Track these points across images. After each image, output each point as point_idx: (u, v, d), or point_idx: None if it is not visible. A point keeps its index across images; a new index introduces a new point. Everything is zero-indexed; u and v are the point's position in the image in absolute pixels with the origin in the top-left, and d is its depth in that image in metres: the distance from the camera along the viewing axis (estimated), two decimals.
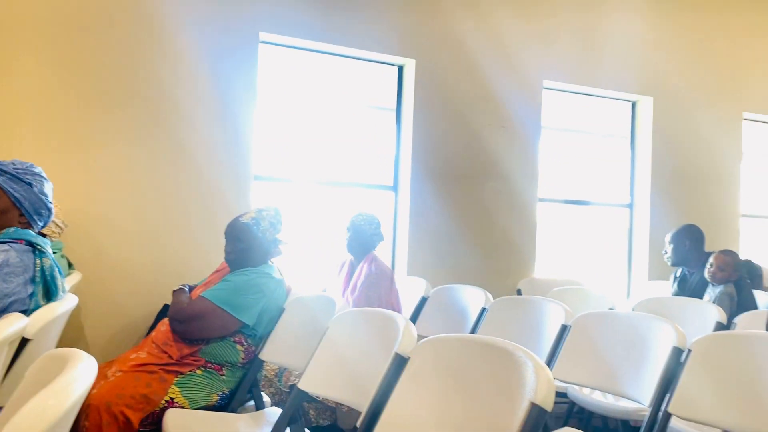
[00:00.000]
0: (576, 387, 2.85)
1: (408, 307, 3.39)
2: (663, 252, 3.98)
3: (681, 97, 4.91)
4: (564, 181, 4.85)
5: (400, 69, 4.21)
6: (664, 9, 4.88)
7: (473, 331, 2.90)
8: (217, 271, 2.65)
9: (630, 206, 4.90)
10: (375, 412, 1.62)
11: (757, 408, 1.72)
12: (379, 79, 4.25)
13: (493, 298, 2.95)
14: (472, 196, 4.25)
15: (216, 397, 2.35)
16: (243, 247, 2.50)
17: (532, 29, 4.42)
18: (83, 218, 3.30)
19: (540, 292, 3.87)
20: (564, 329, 2.38)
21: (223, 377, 2.37)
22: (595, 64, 4.62)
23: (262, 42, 3.77)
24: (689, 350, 1.91)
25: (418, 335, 1.79)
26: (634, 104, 4.93)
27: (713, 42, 5.07)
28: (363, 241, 3.20)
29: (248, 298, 2.39)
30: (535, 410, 1.19)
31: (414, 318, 3.34)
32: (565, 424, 2.90)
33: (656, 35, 4.84)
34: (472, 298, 3.11)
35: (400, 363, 1.67)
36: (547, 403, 1.19)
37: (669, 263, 3.94)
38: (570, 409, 2.96)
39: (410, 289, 3.51)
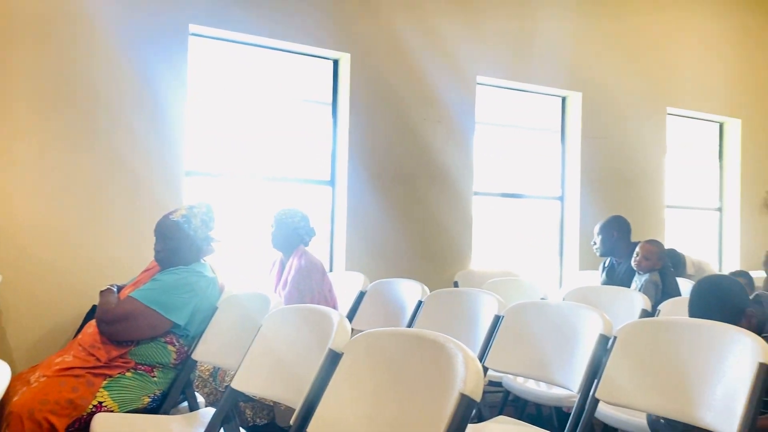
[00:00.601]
0: (510, 376, 2.92)
1: (346, 302, 3.39)
2: (592, 243, 4.11)
3: (608, 92, 5.08)
4: (498, 174, 4.94)
5: (336, 63, 4.19)
6: (592, 8, 5.04)
7: (410, 324, 2.92)
8: (146, 271, 2.57)
9: (561, 199, 5.04)
10: (309, 409, 1.61)
11: (677, 390, 1.79)
12: (315, 73, 4.21)
13: (431, 291, 2.97)
14: (409, 190, 4.27)
15: (147, 400, 2.28)
16: (173, 246, 2.44)
17: (466, 25, 4.48)
18: (2, 218, 3.15)
19: (476, 284, 3.93)
20: (497, 320, 2.42)
21: (155, 379, 2.31)
22: (526, 60, 4.72)
23: (192, 34, 3.67)
24: (615, 337, 1.98)
25: (357, 330, 1.79)
26: (564, 99, 5.07)
27: (638, 40, 5.26)
28: (287, 236, 3.16)
29: (179, 297, 2.33)
30: (465, 401, 1.21)
31: (352, 313, 3.33)
32: (500, 413, 2.96)
33: (585, 33, 4.98)
34: (409, 291, 3.13)
35: (333, 359, 1.66)
36: (476, 393, 1.21)
37: (598, 254, 4.07)
38: (505, 398, 3.02)
39: (348, 284, 3.51)
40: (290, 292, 3.01)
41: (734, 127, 5.90)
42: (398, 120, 4.23)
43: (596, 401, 1.93)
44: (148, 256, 2.66)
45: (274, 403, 2.76)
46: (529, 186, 5.11)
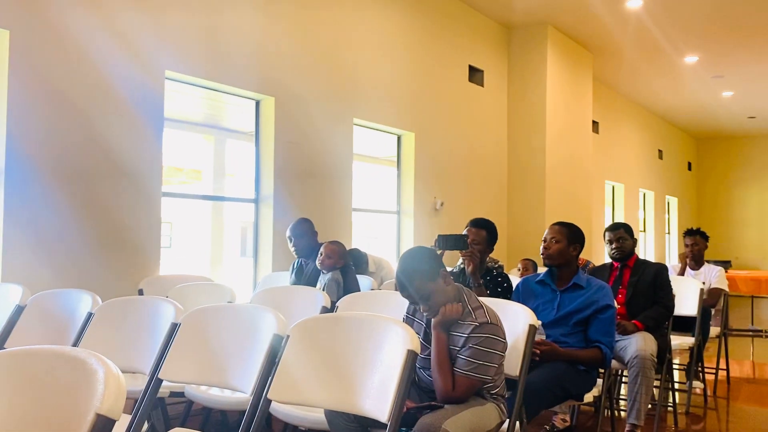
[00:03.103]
0: (194, 385, 2.79)
1: None
2: (291, 245, 4.22)
3: (300, 99, 5.26)
4: (196, 176, 4.76)
5: None
6: (282, 13, 5.16)
7: (78, 338, 2.61)
8: None
9: (255, 201, 5.06)
10: None
11: (342, 382, 1.88)
12: None
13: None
14: (88, 191, 3.86)
15: None
16: None
17: (149, 16, 4.21)
18: None
19: (164, 290, 3.71)
20: (174, 327, 2.29)
21: None
22: (219, 59, 4.63)
23: None
24: (288, 336, 2.00)
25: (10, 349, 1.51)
26: (258, 103, 5.10)
27: (329, 50, 5.55)
28: None
29: None
30: (101, 421, 1.08)
31: (7, 330, 2.86)
32: (182, 425, 2.82)
33: (276, 39, 5.08)
34: (77, 303, 2.80)
35: None
36: (114, 411, 1.09)
37: (295, 254, 4.20)
38: (188, 408, 2.89)
39: (1, 298, 3.01)
40: None
41: (409, 140, 6.61)
42: (70, 111, 3.78)
43: (269, 402, 1.93)
44: None
45: None
46: (226, 189, 5.03)
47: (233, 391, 2.69)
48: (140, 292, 4.02)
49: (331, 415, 2.20)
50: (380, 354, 1.82)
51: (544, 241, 3.18)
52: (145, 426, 2.06)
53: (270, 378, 1.95)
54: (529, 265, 5.76)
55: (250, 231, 5.15)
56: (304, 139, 5.28)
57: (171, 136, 4.82)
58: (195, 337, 2.27)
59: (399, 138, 6.65)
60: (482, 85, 7.67)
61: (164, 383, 2.18)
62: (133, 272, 4.09)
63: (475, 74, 7.57)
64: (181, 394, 2.85)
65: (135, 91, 4.10)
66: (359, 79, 5.88)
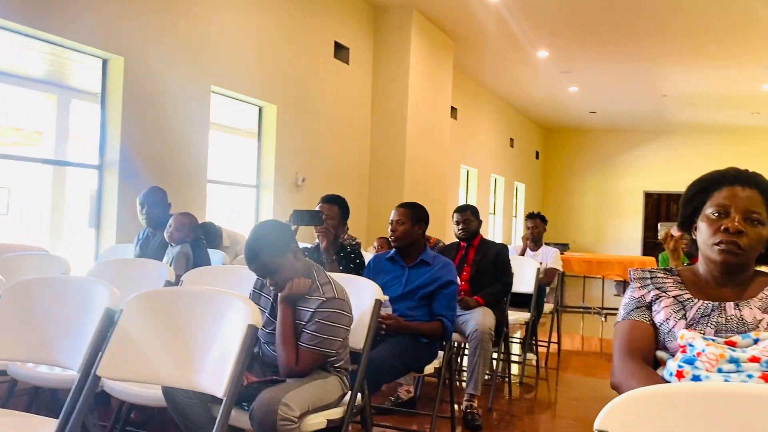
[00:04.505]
0: (18, 363, 2.58)
1: None
2: (141, 214, 3.99)
3: (154, 62, 4.96)
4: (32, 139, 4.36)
5: None
6: None
7: None
8: None
9: (99, 167, 4.73)
10: None
11: (178, 358, 1.82)
12: None
13: None
14: None
15: None
16: None
17: None
18: None
19: None
20: None
21: None
22: (60, 9, 4.23)
23: None
24: (121, 311, 1.90)
25: None
26: (105, 62, 4.74)
27: (184, 12, 5.27)
28: None
29: None
30: None
31: None
32: (3, 406, 2.60)
33: None
34: None
35: None
36: None
37: (145, 223, 4.00)
38: (12, 388, 2.66)
39: None
40: None
41: (271, 112, 6.48)
42: None
43: (97, 379, 1.83)
44: None
45: None
46: (73, 153, 4.65)
47: (64, 369, 2.54)
48: None
49: (169, 391, 2.13)
50: (219, 329, 1.78)
51: (391, 223, 3.28)
52: None
53: (100, 354, 1.84)
54: (384, 244, 5.90)
55: (90, 198, 4.81)
56: (156, 104, 4.99)
57: (6, 93, 4.38)
58: (18, 311, 2.10)
59: (260, 110, 6.49)
60: (347, 63, 7.67)
61: None
62: None
63: (340, 51, 7.55)
64: (4, 373, 2.62)
65: None
66: (219, 47, 5.65)
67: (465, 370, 3.85)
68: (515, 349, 5.80)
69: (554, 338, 5.79)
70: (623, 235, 16.36)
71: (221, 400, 1.66)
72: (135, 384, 2.29)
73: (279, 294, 2.26)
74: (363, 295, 2.50)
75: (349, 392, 2.31)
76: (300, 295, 2.24)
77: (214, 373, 1.71)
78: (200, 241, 3.79)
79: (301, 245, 3.75)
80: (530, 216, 5.76)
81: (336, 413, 2.21)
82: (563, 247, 10.73)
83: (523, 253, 5.55)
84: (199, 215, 4.62)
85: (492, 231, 13.43)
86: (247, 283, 2.54)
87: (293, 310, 2.24)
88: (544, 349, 5.59)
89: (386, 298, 2.62)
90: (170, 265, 3.46)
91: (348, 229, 3.58)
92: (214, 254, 4.10)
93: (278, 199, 6.49)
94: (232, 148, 6.29)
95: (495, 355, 4.13)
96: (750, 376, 1.38)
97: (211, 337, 1.78)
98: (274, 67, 6.42)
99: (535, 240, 5.67)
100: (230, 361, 1.68)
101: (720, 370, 1.40)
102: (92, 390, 1.81)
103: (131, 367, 1.86)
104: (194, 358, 1.79)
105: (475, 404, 3.63)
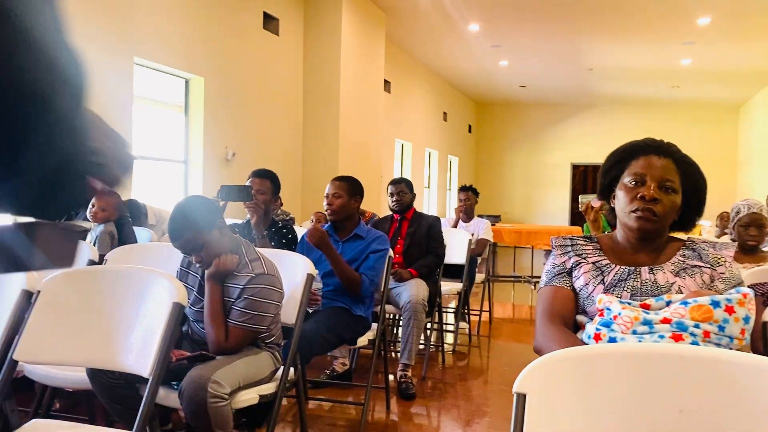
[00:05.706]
0: None
1: None
2: None
3: (73, 32, 4.70)
4: None
5: None
6: None
7: None
8: None
9: None
10: None
11: (101, 339, 1.76)
12: None
13: None
14: None
15: None
16: None
17: None
18: None
19: None
20: None
21: None
22: None
23: None
24: (38, 292, 1.82)
25: None
26: None
27: None
28: None
29: None
30: None
31: None
32: None
33: None
34: None
35: None
36: None
37: None
38: None
39: None
40: None
41: (198, 84, 6.28)
42: None
43: (15, 363, 1.75)
44: None
45: None
46: None
47: None
48: None
49: (93, 373, 2.06)
50: (144, 308, 1.73)
51: (327, 197, 3.26)
52: None
53: (17, 337, 1.76)
54: (321, 218, 5.87)
55: None
56: None
57: None
58: None
59: (187, 82, 6.29)
60: (277, 34, 7.51)
61: None
62: None
63: (270, 22, 7.38)
64: None
65: None
66: (141, 16, 5.41)
67: (399, 341, 3.91)
68: (449, 318, 5.92)
69: (486, 307, 5.94)
70: (552, 206, 16.88)
71: (148, 379, 1.63)
72: (57, 367, 2.21)
73: (206, 271, 2.22)
74: (294, 270, 2.48)
75: (282, 367, 2.30)
76: (227, 271, 2.21)
77: (139, 352, 1.67)
78: (126, 220, 3.67)
79: (233, 221, 3.69)
80: (462, 189, 5.84)
81: (268, 388, 2.20)
82: (495, 219, 10.98)
83: (455, 225, 5.63)
84: (123, 193, 4.46)
85: (427, 204, 13.59)
86: (174, 262, 2.48)
87: (221, 287, 2.21)
88: (477, 318, 5.73)
89: (317, 272, 2.61)
90: (94, 245, 3.34)
91: (282, 204, 3.54)
92: (140, 232, 3.98)
93: (207, 175, 6.34)
94: (158, 122, 6.07)
95: (429, 325, 4.21)
96: (661, 337, 1.45)
97: (135, 316, 1.74)
98: (201, 37, 6.22)
99: (467, 212, 5.76)
100: (155, 340, 1.65)
101: (635, 332, 1.47)
102: (9, 375, 1.73)
103: (51, 350, 1.79)
104: (118, 338, 1.74)
105: (410, 374, 3.69)
